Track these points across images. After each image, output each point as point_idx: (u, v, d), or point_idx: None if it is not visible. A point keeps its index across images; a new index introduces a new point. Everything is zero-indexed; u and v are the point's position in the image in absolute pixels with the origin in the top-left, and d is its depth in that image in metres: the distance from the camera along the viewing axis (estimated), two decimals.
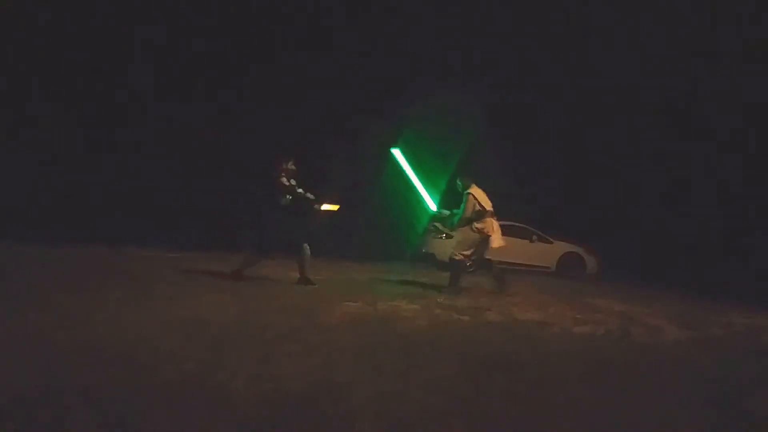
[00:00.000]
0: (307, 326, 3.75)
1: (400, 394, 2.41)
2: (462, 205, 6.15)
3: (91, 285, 5.06)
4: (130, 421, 1.94)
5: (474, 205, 6.07)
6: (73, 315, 3.60)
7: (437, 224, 6.37)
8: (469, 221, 6.10)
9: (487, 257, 6.41)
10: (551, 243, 10.59)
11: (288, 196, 5.74)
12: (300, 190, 5.79)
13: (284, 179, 5.78)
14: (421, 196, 6.72)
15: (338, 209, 6.01)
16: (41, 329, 3.16)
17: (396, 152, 6.82)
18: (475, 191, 6.13)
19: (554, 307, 5.39)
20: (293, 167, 5.88)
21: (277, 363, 2.77)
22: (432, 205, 6.66)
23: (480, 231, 6.08)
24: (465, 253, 6.12)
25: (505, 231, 10.47)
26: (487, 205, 6.14)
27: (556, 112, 14.61)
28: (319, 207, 5.89)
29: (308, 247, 5.93)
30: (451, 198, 6.70)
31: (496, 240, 6.14)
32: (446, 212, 6.52)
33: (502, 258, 10.24)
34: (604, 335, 4.15)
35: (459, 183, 6.34)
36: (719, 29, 13.08)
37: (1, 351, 2.71)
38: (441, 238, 10.22)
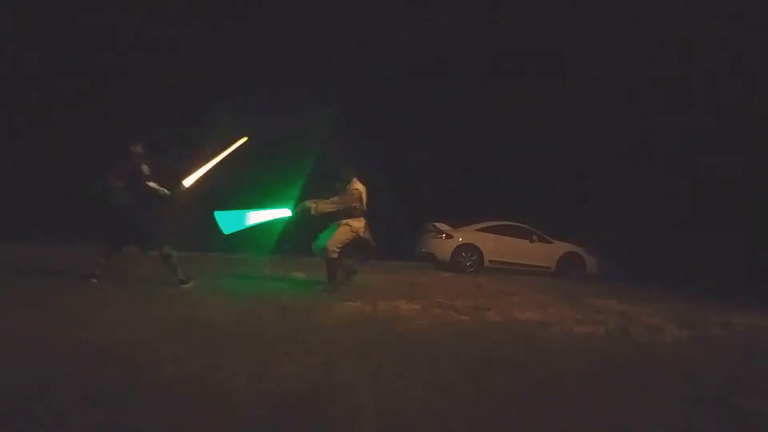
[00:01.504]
0: (307, 326, 3.75)
1: (400, 394, 2.41)
2: (339, 196, 5.72)
3: (91, 285, 5.05)
4: (130, 421, 1.94)
5: (356, 200, 5.69)
6: (73, 315, 3.60)
7: (309, 204, 5.66)
8: (342, 207, 5.68)
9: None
10: (551, 243, 10.59)
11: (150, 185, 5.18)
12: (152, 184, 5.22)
13: (144, 167, 5.21)
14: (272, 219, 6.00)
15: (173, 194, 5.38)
16: (41, 329, 3.16)
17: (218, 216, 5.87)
18: (360, 186, 5.75)
19: (554, 307, 5.39)
20: (141, 150, 5.31)
21: (277, 363, 2.77)
22: (287, 212, 5.94)
23: (355, 230, 5.72)
24: (339, 248, 5.71)
25: (505, 231, 10.59)
26: (366, 204, 5.81)
27: (555, 112, 14.61)
28: (181, 189, 5.39)
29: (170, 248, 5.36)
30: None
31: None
32: (309, 204, 5.79)
33: (503, 258, 10.30)
34: (604, 335, 4.15)
35: (342, 173, 5.86)
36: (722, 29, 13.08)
37: (1, 351, 2.71)
38: (441, 237, 10.23)
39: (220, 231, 5.78)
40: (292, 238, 10.95)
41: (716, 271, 10.89)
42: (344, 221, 5.71)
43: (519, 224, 10.67)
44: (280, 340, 3.26)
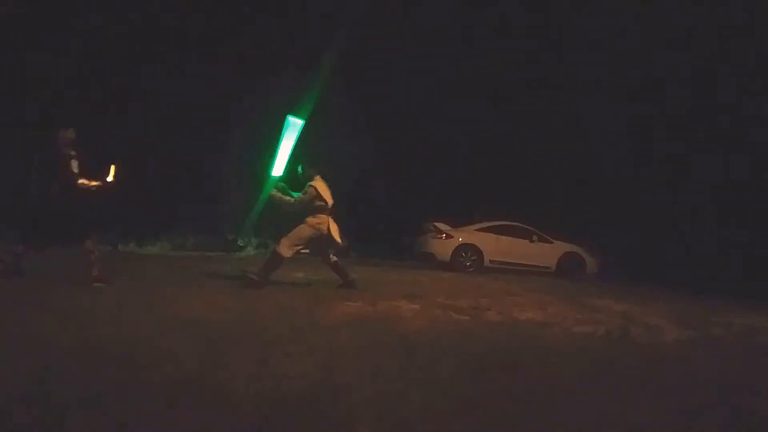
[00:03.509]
0: (307, 326, 3.75)
1: (400, 394, 2.41)
2: (300, 194, 5.69)
3: (90, 284, 5.05)
4: (130, 421, 1.94)
5: (314, 198, 5.62)
6: (72, 315, 3.60)
7: (277, 192, 5.65)
8: (300, 208, 5.66)
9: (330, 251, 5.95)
10: (551, 243, 10.59)
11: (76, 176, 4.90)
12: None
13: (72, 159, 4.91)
14: (275, 160, 5.95)
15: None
16: (41, 329, 3.16)
17: (294, 120, 5.91)
18: (319, 184, 5.68)
19: (554, 307, 5.39)
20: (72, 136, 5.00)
21: (277, 363, 2.77)
22: (278, 171, 5.90)
23: (315, 227, 5.63)
24: (295, 247, 5.66)
25: (505, 231, 10.59)
26: (329, 200, 5.71)
27: (555, 112, 14.61)
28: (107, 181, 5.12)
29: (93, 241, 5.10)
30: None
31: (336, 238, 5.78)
32: (283, 185, 5.86)
33: (503, 258, 10.30)
34: (604, 335, 4.15)
35: (301, 171, 5.84)
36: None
37: (1, 351, 2.71)
38: (441, 237, 10.23)
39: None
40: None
41: (716, 271, 10.90)
42: (305, 220, 5.66)
43: (519, 224, 10.68)
44: (280, 340, 3.26)
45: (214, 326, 3.54)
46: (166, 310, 3.98)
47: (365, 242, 13.37)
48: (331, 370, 2.71)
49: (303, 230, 5.65)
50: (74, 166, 4.98)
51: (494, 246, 10.26)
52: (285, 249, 5.58)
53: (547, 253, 10.48)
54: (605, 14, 13.59)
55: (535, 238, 10.50)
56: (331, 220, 5.75)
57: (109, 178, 5.22)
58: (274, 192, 5.77)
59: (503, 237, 10.43)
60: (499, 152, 14.44)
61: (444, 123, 14.86)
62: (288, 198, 5.73)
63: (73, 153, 4.98)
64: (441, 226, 10.46)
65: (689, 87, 14.00)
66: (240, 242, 11.60)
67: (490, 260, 10.19)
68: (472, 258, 10.09)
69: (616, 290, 7.67)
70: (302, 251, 5.99)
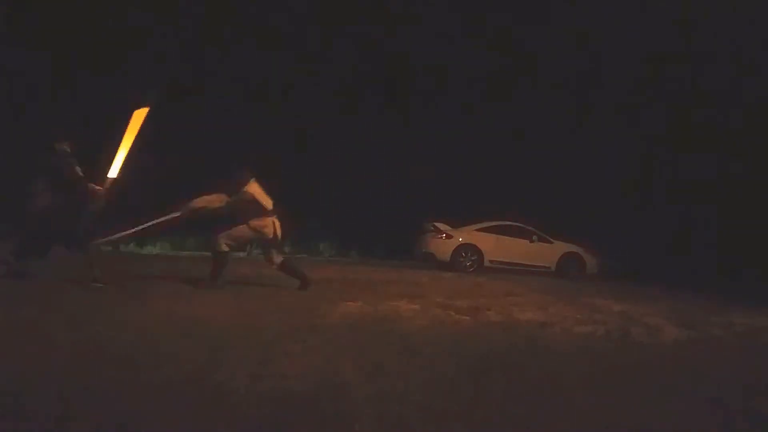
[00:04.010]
0: (307, 326, 3.75)
1: (400, 394, 2.41)
2: (234, 196, 5.47)
3: (90, 285, 5.04)
4: (130, 421, 1.94)
5: (248, 202, 5.44)
6: (72, 315, 3.60)
7: (194, 204, 5.41)
8: (230, 211, 5.51)
9: None
10: (551, 243, 10.59)
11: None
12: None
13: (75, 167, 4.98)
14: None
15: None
16: (41, 329, 3.16)
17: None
18: (254, 188, 5.50)
19: (554, 307, 5.39)
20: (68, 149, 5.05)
21: (277, 363, 2.76)
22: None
23: (257, 229, 5.49)
24: (229, 243, 5.52)
25: (506, 231, 10.59)
26: (268, 203, 5.56)
27: (555, 111, 14.62)
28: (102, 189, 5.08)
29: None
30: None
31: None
32: (194, 203, 5.52)
33: (503, 258, 10.30)
34: (604, 335, 4.15)
35: (239, 173, 5.59)
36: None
37: (1, 351, 2.71)
38: (441, 237, 10.23)
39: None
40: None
41: (715, 271, 10.90)
42: (249, 222, 5.48)
43: (519, 224, 10.68)
44: (280, 340, 3.26)
45: (214, 326, 3.54)
46: (166, 310, 3.98)
47: (365, 242, 13.38)
48: (331, 369, 2.71)
49: (241, 230, 5.51)
50: (79, 171, 5.04)
51: (494, 246, 10.26)
52: (221, 245, 5.47)
53: (547, 253, 10.48)
54: (605, 13, 13.59)
55: (534, 238, 10.50)
56: (276, 222, 5.59)
57: (112, 174, 5.19)
58: (189, 206, 5.48)
59: (503, 237, 10.43)
60: (499, 152, 14.44)
61: (444, 123, 14.86)
62: (214, 199, 5.50)
63: (74, 160, 5.04)
64: (441, 226, 10.46)
65: (689, 87, 14.01)
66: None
67: (490, 260, 10.19)
68: (472, 258, 10.09)
69: (616, 290, 7.67)
70: (239, 253, 5.76)
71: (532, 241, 10.47)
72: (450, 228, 10.42)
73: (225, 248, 5.50)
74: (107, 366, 2.53)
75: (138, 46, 12.88)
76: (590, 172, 14.31)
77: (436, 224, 10.52)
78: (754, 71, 13.05)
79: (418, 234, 10.99)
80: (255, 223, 5.51)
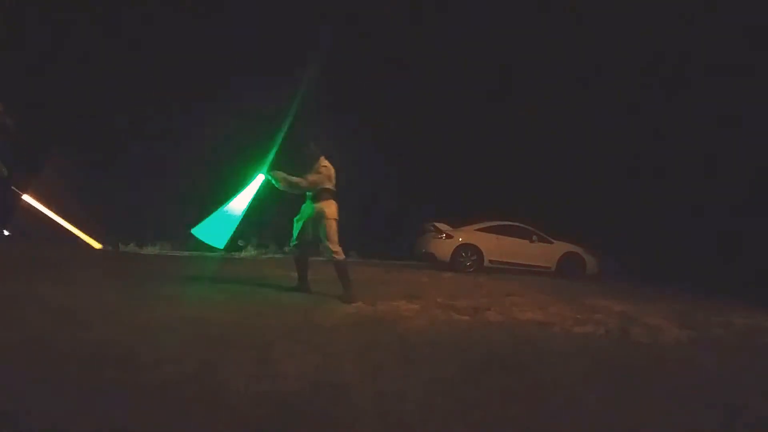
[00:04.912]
0: (307, 326, 3.75)
1: (400, 394, 2.41)
2: (309, 174, 5.04)
3: (90, 284, 5.05)
4: (130, 421, 1.94)
5: (326, 181, 5.04)
6: (72, 315, 3.60)
7: (280, 174, 4.94)
8: (304, 189, 5.09)
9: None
10: (551, 243, 10.59)
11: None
12: None
13: None
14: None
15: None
16: (40, 329, 3.16)
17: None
18: (329, 164, 5.12)
19: (554, 307, 5.39)
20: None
21: (277, 363, 2.76)
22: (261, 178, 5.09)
23: (335, 216, 5.10)
24: (339, 245, 5.13)
25: (506, 231, 10.59)
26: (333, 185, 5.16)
27: (554, 111, 14.62)
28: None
29: None
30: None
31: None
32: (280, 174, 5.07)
33: (503, 258, 10.30)
34: (604, 335, 4.15)
35: (308, 148, 5.16)
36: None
37: (0, 351, 2.71)
38: (441, 237, 10.23)
39: (215, 248, 5.13)
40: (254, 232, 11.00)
41: (715, 271, 10.90)
42: (320, 212, 5.04)
43: (519, 224, 10.67)
44: (280, 340, 3.26)
45: (214, 326, 3.54)
46: (166, 310, 3.98)
47: (365, 242, 13.37)
48: (331, 369, 2.71)
49: (330, 226, 5.07)
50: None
51: (494, 246, 10.26)
52: (338, 253, 5.10)
53: (547, 253, 10.48)
54: (604, 11, 13.59)
55: (535, 238, 10.50)
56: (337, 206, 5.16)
57: None
58: (277, 173, 5.03)
59: (503, 237, 10.43)
60: (499, 152, 14.43)
61: (444, 123, 14.86)
62: (293, 180, 5.02)
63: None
64: (441, 226, 10.45)
65: (689, 86, 14.01)
66: (240, 242, 11.58)
67: (490, 260, 10.19)
68: (472, 258, 10.09)
69: (616, 290, 7.67)
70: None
71: (532, 241, 10.47)
72: (450, 228, 10.42)
73: (342, 254, 5.13)
74: (107, 366, 2.53)
75: None
76: (590, 172, 14.30)
77: (436, 224, 10.52)
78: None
79: (418, 234, 11.00)
80: (330, 210, 5.06)
